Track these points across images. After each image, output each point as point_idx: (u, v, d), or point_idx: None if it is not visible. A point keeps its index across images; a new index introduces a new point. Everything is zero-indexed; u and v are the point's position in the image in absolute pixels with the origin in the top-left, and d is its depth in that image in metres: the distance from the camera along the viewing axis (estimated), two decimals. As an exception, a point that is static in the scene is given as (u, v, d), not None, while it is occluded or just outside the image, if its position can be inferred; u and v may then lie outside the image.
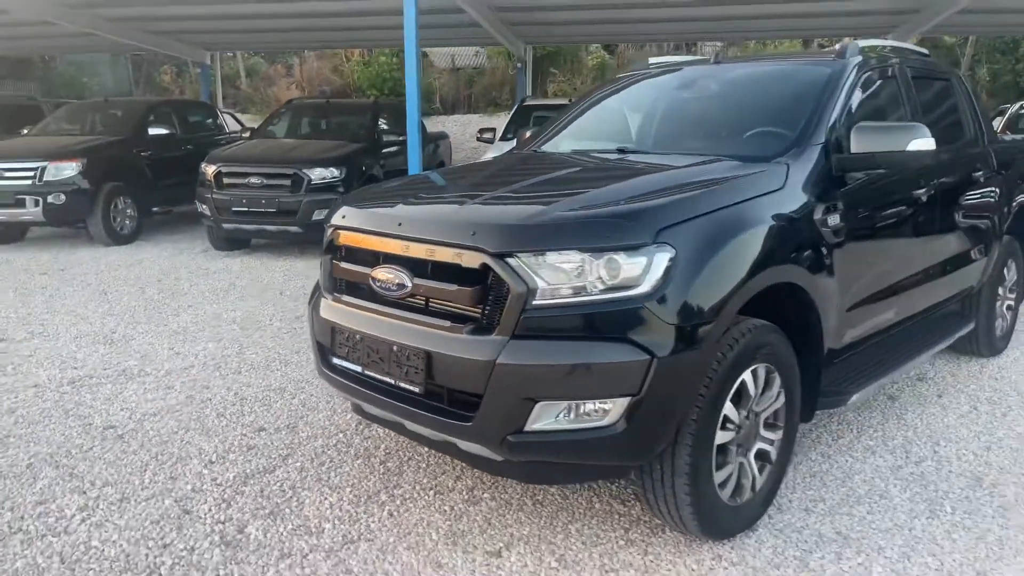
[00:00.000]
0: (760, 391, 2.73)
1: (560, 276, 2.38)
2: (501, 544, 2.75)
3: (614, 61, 20.97)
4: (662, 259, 2.37)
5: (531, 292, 2.35)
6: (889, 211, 3.40)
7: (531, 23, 12.70)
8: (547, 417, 2.37)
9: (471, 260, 2.44)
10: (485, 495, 3.11)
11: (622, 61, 20.55)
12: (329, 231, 3.02)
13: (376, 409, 2.79)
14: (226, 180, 8.49)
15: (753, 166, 2.93)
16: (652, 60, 4.41)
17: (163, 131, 10.51)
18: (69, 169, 9.06)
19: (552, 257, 2.39)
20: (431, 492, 3.14)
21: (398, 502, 3.06)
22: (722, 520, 2.69)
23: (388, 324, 2.67)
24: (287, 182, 8.30)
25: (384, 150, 9.66)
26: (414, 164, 8.43)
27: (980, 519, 2.95)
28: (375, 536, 2.81)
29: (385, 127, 9.98)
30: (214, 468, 3.36)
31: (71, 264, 8.40)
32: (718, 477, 2.63)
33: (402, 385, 2.61)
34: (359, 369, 2.78)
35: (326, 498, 3.09)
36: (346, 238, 2.90)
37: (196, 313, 6.15)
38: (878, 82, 3.66)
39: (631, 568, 2.61)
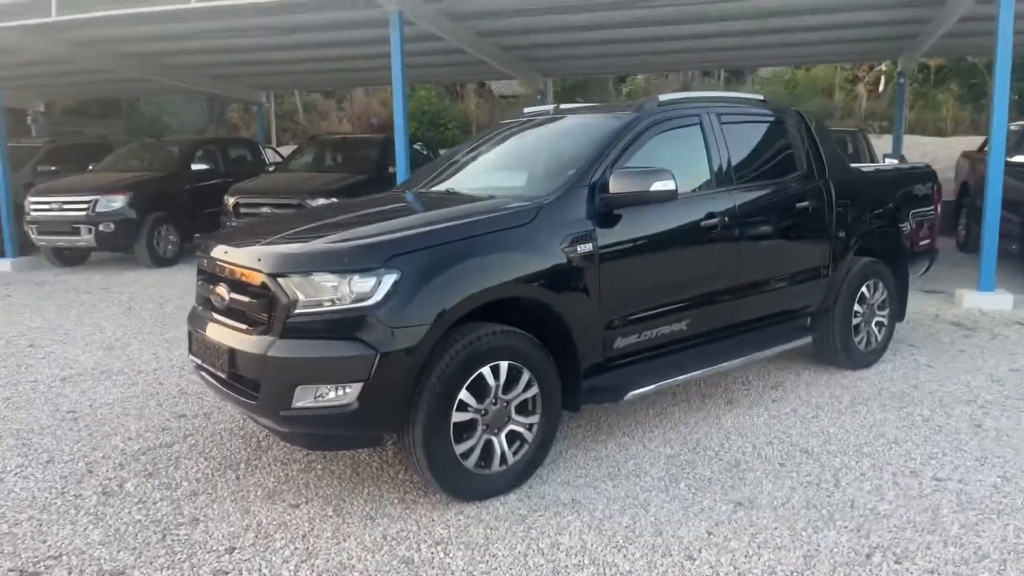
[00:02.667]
0: (503, 383, 3.45)
1: (321, 291, 3.19)
2: (303, 499, 3.57)
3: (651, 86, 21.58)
4: (389, 279, 3.15)
5: (293, 303, 3.18)
6: (661, 241, 4.04)
7: (545, 59, 13.52)
8: (306, 397, 3.18)
9: (256, 279, 3.30)
10: (318, 466, 3.93)
11: (653, 88, 21.16)
12: (200, 259, 3.93)
13: (217, 395, 3.67)
14: (243, 210, 9.68)
15: (511, 205, 3.68)
16: (526, 110, 5.19)
17: (205, 166, 11.90)
18: (117, 201, 10.49)
19: (316, 277, 3.21)
20: (279, 463, 3.98)
21: (250, 470, 3.91)
22: (468, 484, 3.41)
23: (215, 328, 3.56)
24: (292, 211, 9.38)
25: (391, 181, 10.64)
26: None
27: (703, 495, 3.56)
28: (215, 491, 3.67)
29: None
30: (129, 443, 4.31)
31: (114, 284, 9.73)
32: (459, 449, 3.36)
33: (219, 374, 3.49)
34: (200, 362, 3.68)
35: (197, 465, 3.98)
36: (204, 264, 3.81)
37: (192, 326, 7.21)
38: (675, 131, 4.31)
39: (388, 517, 3.37)
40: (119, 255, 11.70)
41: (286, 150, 15.57)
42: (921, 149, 18.01)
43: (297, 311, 3.18)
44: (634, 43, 12.23)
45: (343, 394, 3.15)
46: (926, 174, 6.03)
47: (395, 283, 3.15)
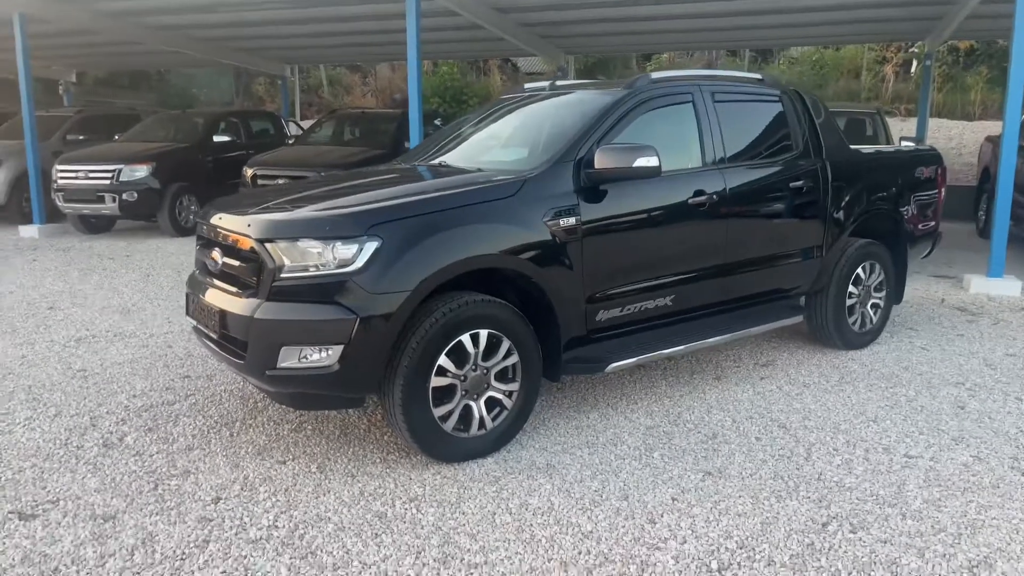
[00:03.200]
0: (482, 351, 3.56)
1: (306, 257, 3.33)
2: (290, 456, 3.73)
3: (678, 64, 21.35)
4: (370, 247, 3.28)
5: (279, 268, 3.32)
6: (648, 217, 4.11)
7: (565, 36, 13.49)
8: (291, 358, 3.32)
9: (245, 244, 3.44)
10: (308, 427, 4.09)
11: (679, 67, 20.91)
12: (199, 225, 4.08)
13: (211, 355, 3.84)
14: (260, 181, 9.87)
15: (495, 179, 3.77)
16: (527, 85, 5.26)
17: (227, 138, 12.12)
18: (141, 171, 10.73)
19: (302, 243, 3.34)
20: (272, 423, 4.15)
21: (244, 428, 4.09)
22: (445, 447, 3.54)
23: (210, 290, 3.71)
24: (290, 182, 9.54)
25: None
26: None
27: (674, 464, 3.66)
28: (208, 447, 3.85)
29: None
30: (133, 400, 4.51)
31: (136, 251, 9.99)
32: (438, 412, 3.49)
33: (211, 334, 3.65)
34: (196, 323, 3.84)
35: (195, 422, 4.16)
36: (202, 230, 3.97)
37: (205, 293, 7.43)
38: (666, 108, 4.37)
39: (368, 475, 3.52)
40: (143, 223, 11.99)
41: (310, 124, 15.73)
42: (947, 133, 17.72)
43: (283, 275, 3.32)
44: (656, 21, 12.16)
45: (325, 356, 3.29)
46: (930, 157, 6.00)
47: (376, 251, 3.28)
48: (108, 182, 10.61)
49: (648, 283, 4.18)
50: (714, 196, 4.38)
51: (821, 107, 5.25)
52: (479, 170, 4.05)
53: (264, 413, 4.29)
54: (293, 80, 18.54)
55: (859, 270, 5.35)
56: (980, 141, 12.59)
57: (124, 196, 10.61)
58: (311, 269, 3.31)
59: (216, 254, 3.73)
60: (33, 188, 11.43)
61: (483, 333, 3.55)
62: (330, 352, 3.28)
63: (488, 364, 3.62)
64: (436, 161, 4.56)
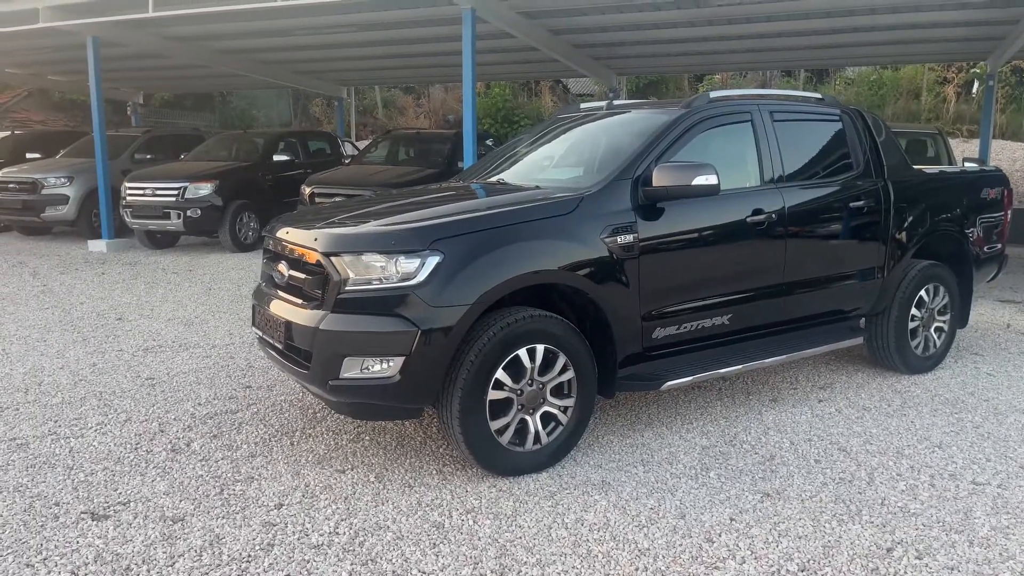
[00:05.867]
0: (539, 365, 3.59)
1: (369, 270, 3.42)
2: (349, 466, 3.80)
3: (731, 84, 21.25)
4: (432, 262, 3.35)
5: (344, 280, 3.41)
6: (705, 235, 4.11)
7: (617, 57, 13.55)
8: (353, 368, 3.40)
9: (312, 257, 3.55)
10: (366, 438, 4.17)
11: (732, 87, 20.78)
12: (266, 239, 4.22)
13: (275, 365, 3.95)
14: (317, 199, 10.10)
15: (553, 196, 3.82)
16: (583, 105, 5.31)
17: (286, 158, 12.44)
18: (204, 189, 11.08)
19: (366, 257, 3.44)
20: (331, 433, 4.24)
21: (304, 437, 4.18)
22: (501, 460, 3.58)
23: (275, 302, 3.83)
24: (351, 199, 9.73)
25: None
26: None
27: (731, 484, 3.62)
28: (270, 454, 3.95)
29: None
30: (198, 408, 4.66)
31: (199, 266, 10.31)
32: (495, 425, 3.52)
33: (276, 344, 3.76)
34: (261, 334, 3.96)
35: (257, 431, 4.28)
36: (269, 243, 4.10)
37: (265, 307, 7.62)
38: (725, 128, 4.37)
39: (425, 486, 3.57)
40: (205, 239, 12.37)
41: (365, 144, 16.06)
42: (1011, 155, 17.23)
43: (347, 288, 3.41)
44: (709, 41, 12.15)
45: (387, 367, 3.36)
46: (996, 178, 5.87)
47: (437, 265, 3.35)
48: (174, 199, 10.98)
49: (705, 302, 4.16)
50: (772, 215, 4.35)
51: (883, 126, 5.19)
52: (537, 187, 4.11)
53: (323, 423, 4.39)
54: (349, 101, 18.96)
55: (922, 292, 5.24)
56: (1047, 163, 12.25)
57: (188, 213, 10.96)
58: (374, 282, 3.40)
59: (282, 267, 3.85)
60: (102, 204, 11.87)
61: (539, 348, 3.58)
62: (391, 363, 3.35)
63: (544, 379, 3.65)
64: (494, 179, 4.64)
